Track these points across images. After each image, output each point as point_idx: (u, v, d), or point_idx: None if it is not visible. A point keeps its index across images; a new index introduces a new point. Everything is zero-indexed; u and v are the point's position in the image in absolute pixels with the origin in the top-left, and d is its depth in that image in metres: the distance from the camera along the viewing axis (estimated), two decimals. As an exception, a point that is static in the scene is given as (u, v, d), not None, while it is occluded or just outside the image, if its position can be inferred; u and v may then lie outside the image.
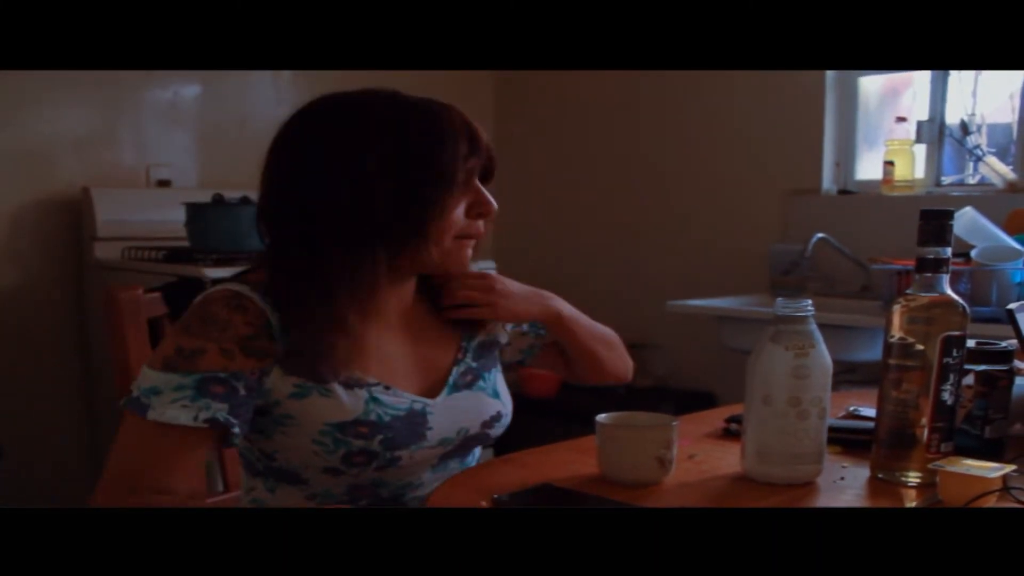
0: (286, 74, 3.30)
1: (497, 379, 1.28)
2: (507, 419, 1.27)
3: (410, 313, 1.22)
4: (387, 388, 1.14)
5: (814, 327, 1.10)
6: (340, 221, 1.08)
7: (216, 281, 1.43)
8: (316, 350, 1.07)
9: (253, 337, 1.06)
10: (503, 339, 1.34)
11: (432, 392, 1.19)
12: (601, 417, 1.15)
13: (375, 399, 1.12)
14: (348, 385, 1.11)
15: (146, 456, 1.02)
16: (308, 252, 1.08)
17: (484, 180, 1.18)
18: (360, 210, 1.07)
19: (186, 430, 1.01)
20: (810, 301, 1.11)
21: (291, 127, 1.14)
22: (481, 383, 1.25)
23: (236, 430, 1.04)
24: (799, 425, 1.08)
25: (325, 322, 1.07)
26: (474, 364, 1.25)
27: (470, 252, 1.17)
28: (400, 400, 1.15)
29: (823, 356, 1.09)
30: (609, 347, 1.39)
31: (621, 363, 1.42)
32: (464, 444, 1.22)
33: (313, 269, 1.08)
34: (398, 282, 1.17)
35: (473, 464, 1.30)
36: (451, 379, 1.22)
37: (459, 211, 1.13)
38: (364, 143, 1.08)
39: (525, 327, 1.37)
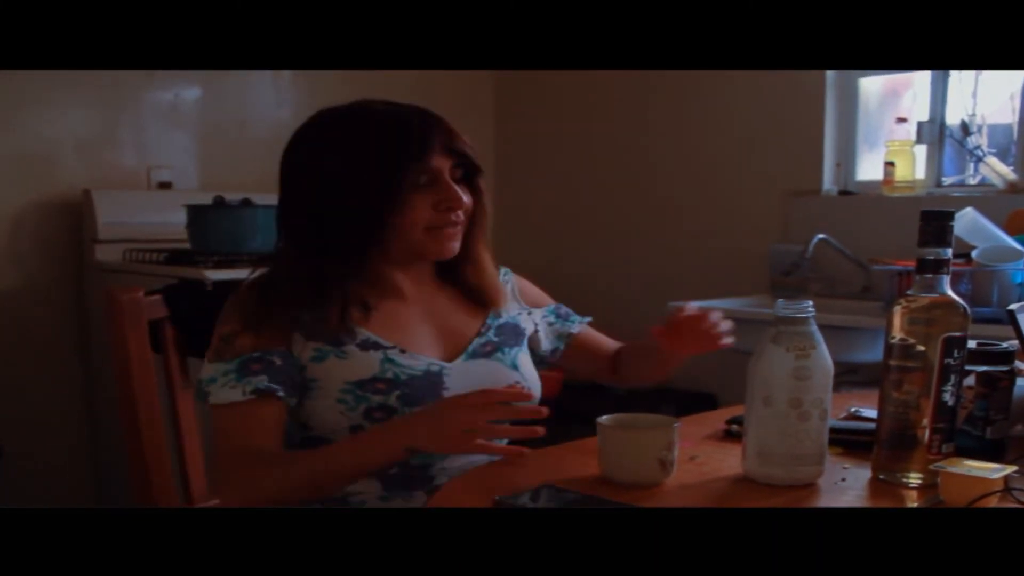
0: (286, 76, 3.30)
1: (519, 356, 1.37)
2: (530, 393, 1.32)
3: (431, 293, 1.35)
4: (403, 351, 1.26)
5: (815, 328, 1.10)
6: (308, 220, 1.26)
7: (217, 282, 1.49)
8: (293, 319, 1.23)
9: (274, 314, 1.22)
10: (526, 326, 1.43)
11: (451, 358, 1.30)
12: (602, 419, 1.15)
13: (390, 360, 1.24)
14: (363, 347, 1.24)
15: (228, 431, 1.20)
16: (290, 245, 1.28)
17: (466, 177, 1.30)
18: (324, 208, 1.24)
19: (239, 404, 1.19)
20: (811, 302, 1.11)
21: (288, 143, 1.31)
22: (500, 355, 1.34)
23: (281, 393, 1.20)
24: (800, 426, 1.08)
25: (292, 300, 1.23)
26: (495, 339, 1.35)
27: (451, 243, 1.29)
28: (416, 362, 1.26)
29: (824, 357, 1.09)
30: None
31: None
32: None
33: (283, 260, 1.27)
34: (401, 265, 1.30)
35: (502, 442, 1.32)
36: (471, 347, 1.32)
37: (424, 206, 1.25)
38: (328, 152, 1.25)
39: (552, 318, 1.49)
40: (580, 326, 1.52)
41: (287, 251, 1.28)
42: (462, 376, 1.27)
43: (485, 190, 1.34)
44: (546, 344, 1.48)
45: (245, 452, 1.19)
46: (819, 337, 1.10)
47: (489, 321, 1.36)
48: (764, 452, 1.10)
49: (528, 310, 1.46)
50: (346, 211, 1.23)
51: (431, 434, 1.13)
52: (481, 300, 1.37)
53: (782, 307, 1.10)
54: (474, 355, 1.32)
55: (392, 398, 1.22)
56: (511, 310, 1.41)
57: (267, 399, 1.20)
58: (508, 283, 1.46)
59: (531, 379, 1.36)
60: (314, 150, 1.27)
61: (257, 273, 1.29)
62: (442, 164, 1.26)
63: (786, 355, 1.08)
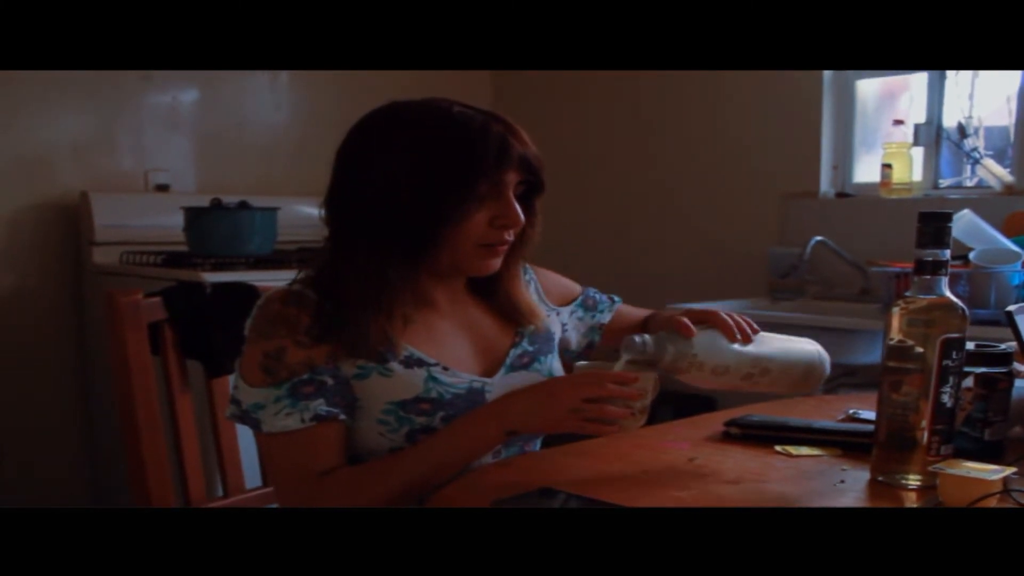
0: (283, 79, 3.30)
1: (553, 364, 1.34)
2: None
3: (463, 305, 1.29)
4: (445, 369, 1.20)
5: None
6: (366, 221, 1.16)
7: (216, 285, 1.46)
8: (358, 332, 1.15)
9: (318, 325, 1.14)
10: (555, 330, 1.39)
11: (490, 373, 1.25)
12: (580, 364, 1.18)
13: (434, 378, 1.19)
14: (407, 364, 1.18)
15: (288, 459, 1.15)
16: (341, 247, 1.18)
17: (529, 193, 1.24)
18: (382, 212, 1.15)
19: (298, 432, 1.13)
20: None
21: (349, 133, 1.22)
22: (537, 365, 1.30)
23: (342, 417, 1.15)
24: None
25: (358, 307, 1.15)
26: (530, 348, 1.31)
27: (496, 260, 1.23)
28: (459, 380, 1.21)
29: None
30: None
31: None
32: None
33: (343, 261, 1.17)
34: (439, 277, 1.24)
35: (536, 448, 1.32)
36: (508, 360, 1.27)
37: (481, 220, 1.18)
38: (396, 150, 1.16)
39: (581, 312, 1.45)
40: (610, 313, 1.48)
41: (352, 256, 1.17)
42: (504, 391, 1.20)
43: (540, 211, 1.27)
44: (578, 340, 1.45)
45: (318, 476, 1.14)
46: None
47: (520, 330, 1.31)
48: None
49: (556, 310, 1.41)
50: (411, 215, 1.15)
51: (532, 413, 1.12)
52: (514, 317, 1.31)
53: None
54: (513, 368, 1.27)
55: (436, 419, 1.17)
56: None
57: (327, 423, 1.14)
58: (530, 283, 1.40)
59: None
60: (385, 145, 1.17)
61: (303, 275, 1.20)
62: (511, 179, 1.20)
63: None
